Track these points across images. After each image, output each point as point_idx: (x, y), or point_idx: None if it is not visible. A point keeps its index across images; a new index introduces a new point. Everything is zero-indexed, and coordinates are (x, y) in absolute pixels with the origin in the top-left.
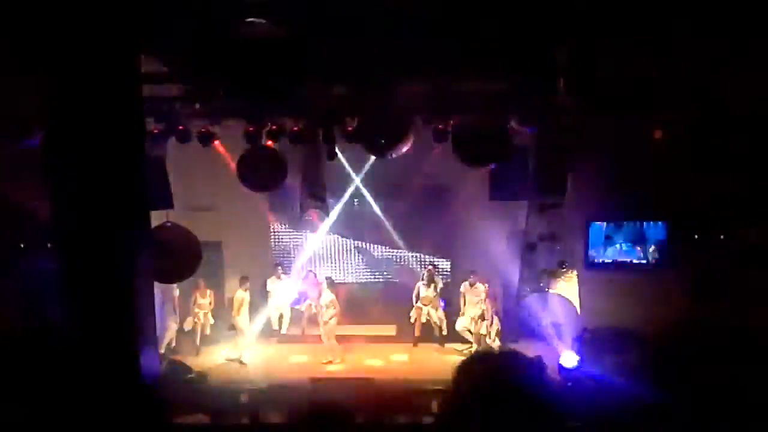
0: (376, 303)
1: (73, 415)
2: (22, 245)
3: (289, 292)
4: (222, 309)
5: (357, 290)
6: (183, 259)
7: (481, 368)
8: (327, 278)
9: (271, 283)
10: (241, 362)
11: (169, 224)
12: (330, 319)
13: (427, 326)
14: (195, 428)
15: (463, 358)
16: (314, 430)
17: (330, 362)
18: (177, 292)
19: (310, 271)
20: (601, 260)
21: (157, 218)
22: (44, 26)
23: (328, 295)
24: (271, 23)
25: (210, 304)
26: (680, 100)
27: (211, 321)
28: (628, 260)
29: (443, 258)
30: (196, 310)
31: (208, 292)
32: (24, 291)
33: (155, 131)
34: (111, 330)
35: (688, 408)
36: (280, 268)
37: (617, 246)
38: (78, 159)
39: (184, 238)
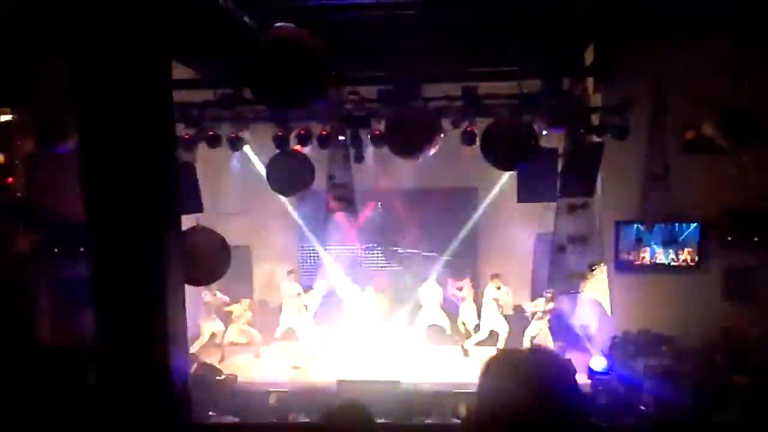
0: (403, 305)
1: (104, 416)
2: (56, 249)
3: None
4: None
5: (384, 294)
6: (213, 262)
7: (508, 366)
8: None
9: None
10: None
11: (199, 228)
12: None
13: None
14: (224, 429)
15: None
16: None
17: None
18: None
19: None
20: (632, 262)
21: (187, 223)
22: (76, 33)
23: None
24: (298, 27)
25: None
26: (710, 99)
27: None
28: (660, 262)
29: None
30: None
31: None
32: (57, 294)
33: (186, 137)
34: (142, 333)
35: (718, 412)
36: (293, 274)
37: (649, 248)
38: (110, 164)
39: (214, 242)
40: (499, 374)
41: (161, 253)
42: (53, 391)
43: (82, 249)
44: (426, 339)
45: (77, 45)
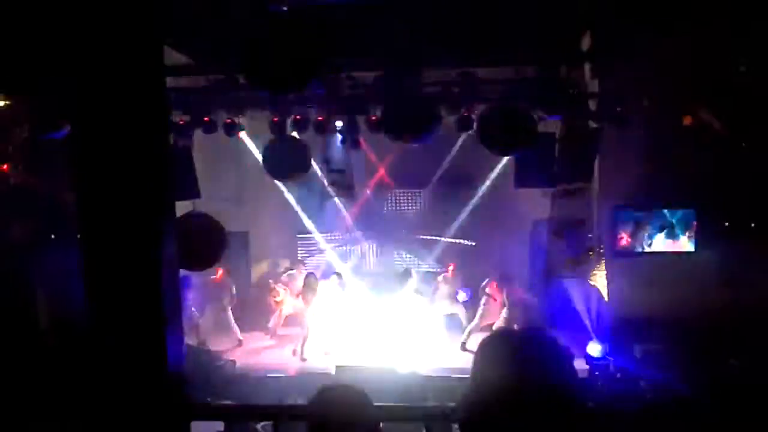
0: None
1: (99, 402)
2: (53, 236)
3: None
4: (249, 299)
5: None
6: (209, 247)
7: (504, 348)
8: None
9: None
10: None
11: (195, 213)
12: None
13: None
14: (222, 414)
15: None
16: (330, 413)
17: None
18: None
19: (311, 273)
20: (629, 247)
21: (184, 209)
22: (68, 18)
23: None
24: (293, 13)
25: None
26: (710, 87)
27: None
28: (657, 248)
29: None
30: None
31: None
32: (54, 281)
33: (181, 122)
34: (137, 318)
35: (716, 398)
36: (302, 264)
37: (646, 233)
38: (103, 150)
39: (210, 227)
40: (494, 356)
41: (155, 238)
42: (55, 378)
43: (79, 236)
44: (445, 328)
45: (70, 30)
